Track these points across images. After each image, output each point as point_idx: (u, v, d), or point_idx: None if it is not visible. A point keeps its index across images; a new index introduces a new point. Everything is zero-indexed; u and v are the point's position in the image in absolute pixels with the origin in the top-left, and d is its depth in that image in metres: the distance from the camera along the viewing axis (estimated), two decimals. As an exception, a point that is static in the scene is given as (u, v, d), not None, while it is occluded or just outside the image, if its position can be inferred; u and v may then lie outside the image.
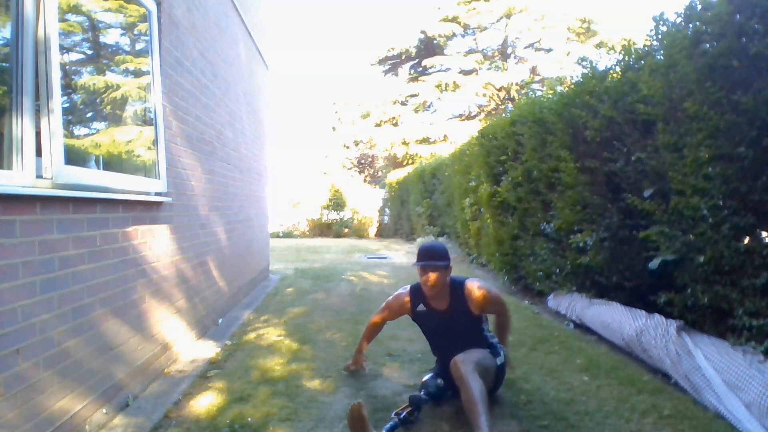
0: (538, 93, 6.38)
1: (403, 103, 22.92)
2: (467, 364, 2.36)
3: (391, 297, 2.93)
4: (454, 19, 21.28)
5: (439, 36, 21.56)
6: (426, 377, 2.66)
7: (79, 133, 2.59)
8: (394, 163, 22.67)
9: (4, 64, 1.86)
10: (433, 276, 2.54)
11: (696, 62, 2.66)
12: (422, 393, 2.57)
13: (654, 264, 3.04)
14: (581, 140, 4.02)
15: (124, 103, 2.95)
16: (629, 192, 3.50)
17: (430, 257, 2.56)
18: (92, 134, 2.77)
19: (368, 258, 9.95)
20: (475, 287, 2.61)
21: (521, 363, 3.28)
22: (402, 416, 2.35)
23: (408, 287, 2.82)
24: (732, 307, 2.62)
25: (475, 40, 21.96)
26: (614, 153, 3.68)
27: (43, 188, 1.98)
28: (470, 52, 21.92)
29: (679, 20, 2.92)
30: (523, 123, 5.17)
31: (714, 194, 2.61)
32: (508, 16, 20.64)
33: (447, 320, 2.65)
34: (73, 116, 2.52)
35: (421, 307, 2.71)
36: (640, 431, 2.34)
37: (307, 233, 17.34)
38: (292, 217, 17.82)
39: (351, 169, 27.38)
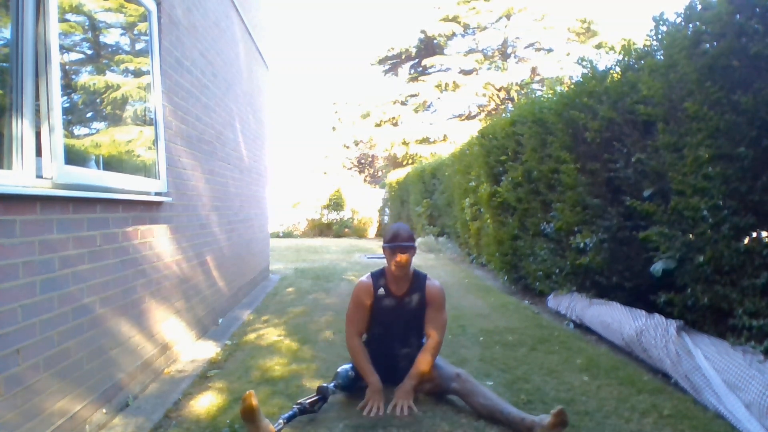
0: (538, 93, 6.37)
1: (403, 103, 22.92)
2: (466, 374, 2.60)
3: (351, 301, 2.82)
4: (454, 19, 21.28)
5: (439, 36, 21.56)
6: (340, 368, 2.73)
7: (79, 133, 2.59)
8: (394, 163, 22.66)
9: (4, 64, 1.86)
10: (404, 257, 2.64)
11: (696, 62, 2.66)
12: (332, 384, 2.63)
13: (657, 271, 3.04)
14: (581, 141, 4.02)
15: (124, 103, 2.95)
16: (629, 193, 3.50)
17: (403, 238, 2.67)
18: (92, 134, 2.77)
19: (368, 258, 9.96)
20: (435, 281, 2.82)
21: (521, 363, 3.28)
22: (302, 405, 2.40)
23: (367, 274, 2.85)
24: (732, 307, 2.62)
25: (475, 40, 21.95)
26: (614, 154, 3.68)
27: (43, 188, 1.98)
28: (470, 52, 21.91)
29: (679, 20, 2.92)
30: (523, 123, 5.17)
31: (714, 194, 2.60)
32: (508, 16, 20.64)
33: (402, 305, 2.74)
34: (73, 116, 2.52)
35: (381, 291, 2.76)
36: (640, 431, 2.34)
37: (308, 233, 17.34)
38: (292, 217, 17.81)
39: (351, 169, 27.38)
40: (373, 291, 2.76)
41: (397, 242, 2.65)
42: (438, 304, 2.74)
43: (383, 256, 2.78)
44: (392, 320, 2.76)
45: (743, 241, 2.58)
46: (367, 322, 2.79)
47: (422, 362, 2.61)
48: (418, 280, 2.78)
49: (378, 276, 2.80)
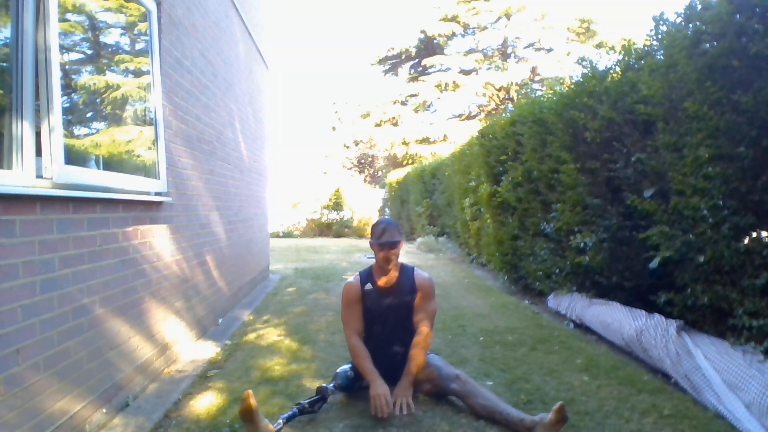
0: (538, 93, 6.37)
1: (403, 103, 22.94)
2: (465, 375, 2.60)
3: (342, 304, 2.83)
4: (454, 19, 21.31)
5: (439, 36, 21.58)
6: (339, 369, 2.74)
7: (79, 132, 2.59)
8: (394, 163, 22.68)
9: (4, 64, 1.86)
10: (394, 253, 2.70)
11: (696, 62, 2.66)
12: (332, 384, 2.63)
13: (654, 263, 3.04)
14: (581, 141, 4.02)
15: (124, 103, 2.95)
16: (629, 193, 3.50)
17: (390, 235, 2.69)
18: (92, 134, 2.77)
19: (368, 258, 9.95)
20: (423, 272, 2.85)
21: (521, 363, 3.28)
22: (302, 406, 2.41)
23: (355, 275, 2.87)
24: (732, 307, 2.62)
25: (475, 39, 21.97)
26: (614, 154, 3.68)
27: (43, 188, 1.98)
28: (470, 51, 21.94)
29: (679, 20, 2.92)
30: (523, 123, 5.17)
31: (714, 194, 2.60)
32: (508, 15, 20.67)
33: (394, 300, 2.75)
34: (73, 116, 2.52)
35: (368, 286, 2.77)
36: (640, 431, 2.34)
37: (308, 233, 17.34)
38: (292, 217, 17.84)
39: (351, 169, 27.39)
40: (360, 287, 2.78)
41: (384, 239, 2.68)
42: (427, 293, 2.77)
43: None
44: (386, 317, 2.76)
45: (743, 241, 2.58)
46: (362, 319, 2.78)
47: (416, 356, 2.62)
48: (405, 273, 2.81)
49: (365, 274, 2.83)
